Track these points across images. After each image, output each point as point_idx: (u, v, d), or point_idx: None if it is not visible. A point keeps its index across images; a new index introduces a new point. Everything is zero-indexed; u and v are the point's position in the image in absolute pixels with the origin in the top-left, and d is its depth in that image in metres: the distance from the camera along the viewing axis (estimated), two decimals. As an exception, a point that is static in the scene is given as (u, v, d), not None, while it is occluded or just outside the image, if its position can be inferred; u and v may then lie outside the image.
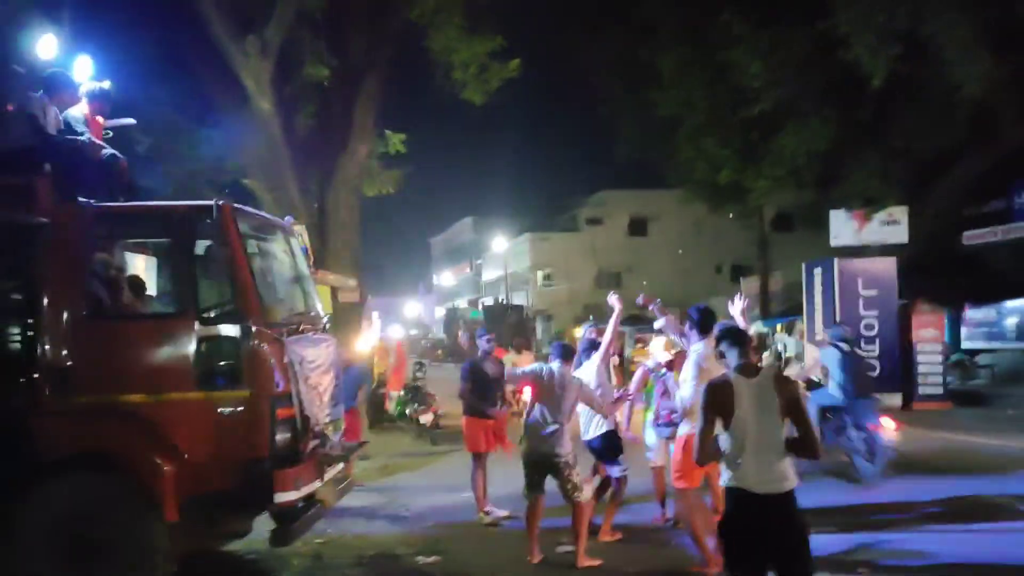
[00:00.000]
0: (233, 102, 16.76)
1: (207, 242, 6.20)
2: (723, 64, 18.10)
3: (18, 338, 6.33)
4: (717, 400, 4.28)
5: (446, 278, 72.47)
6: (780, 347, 28.49)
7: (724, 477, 4.35)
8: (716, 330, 4.93)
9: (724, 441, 4.28)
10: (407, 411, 15.17)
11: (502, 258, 58.07)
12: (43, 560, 5.84)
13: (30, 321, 6.26)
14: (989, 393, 20.80)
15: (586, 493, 7.28)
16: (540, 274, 57.42)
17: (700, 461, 4.33)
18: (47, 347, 6.06)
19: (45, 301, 6.13)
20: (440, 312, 65.54)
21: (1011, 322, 24.05)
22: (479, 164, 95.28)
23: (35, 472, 5.97)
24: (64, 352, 6.05)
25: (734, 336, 4.48)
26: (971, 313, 24.88)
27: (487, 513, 9.00)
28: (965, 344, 24.71)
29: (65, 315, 6.09)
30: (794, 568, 4.22)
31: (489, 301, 61.14)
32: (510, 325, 51.40)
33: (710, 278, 53.56)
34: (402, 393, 15.33)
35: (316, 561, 7.48)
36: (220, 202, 6.15)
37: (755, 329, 27.51)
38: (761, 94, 17.51)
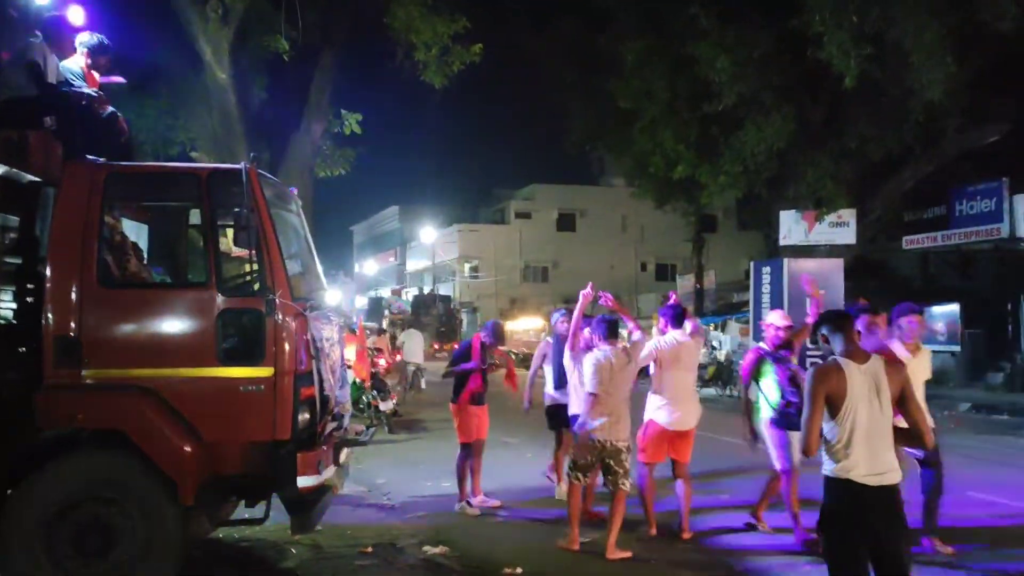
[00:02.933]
0: (185, 71, 16.08)
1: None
2: (686, 57, 18.10)
3: (17, 305, 5.80)
4: (828, 385, 4.10)
5: (369, 267, 71.35)
6: (715, 344, 28.93)
7: (828, 467, 4.18)
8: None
9: (828, 429, 4.13)
10: (365, 398, 14.74)
11: (428, 248, 57.56)
12: (46, 546, 5.36)
13: (31, 287, 5.77)
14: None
15: (629, 482, 7.09)
16: (467, 266, 57.09)
17: (808, 451, 4.14)
18: (51, 316, 5.56)
19: (50, 266, 5.63)
20: (361, 302, 64.53)
21: (939, 326, 24.86)
22: (406, 152, 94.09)
23: (37, 450, 5.50)
24: (71, 322, 5.56)
25: (836, 321, 4.31)
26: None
27: (468, 504, 8.73)
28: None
29: (72, 282, 5.60)
30: (893, 563, 4.09)
31: (414, 291, 60.57)
32: (437, 316, 51.19)
33: (635, 275, 54.16)
34: (368, 382, 14.87)
35: (316, 551, 7.09)
36: (247, 165, 5.73)
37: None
38: (724, 89, 17.58)
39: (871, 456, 4.08)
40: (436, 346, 46.32)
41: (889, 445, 4.13)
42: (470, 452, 8.89)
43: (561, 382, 8.60)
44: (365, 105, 18.12)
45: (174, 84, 16.40)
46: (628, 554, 6.92)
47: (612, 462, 6.99)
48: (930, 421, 6.06)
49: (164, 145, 17.38)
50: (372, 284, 69.55)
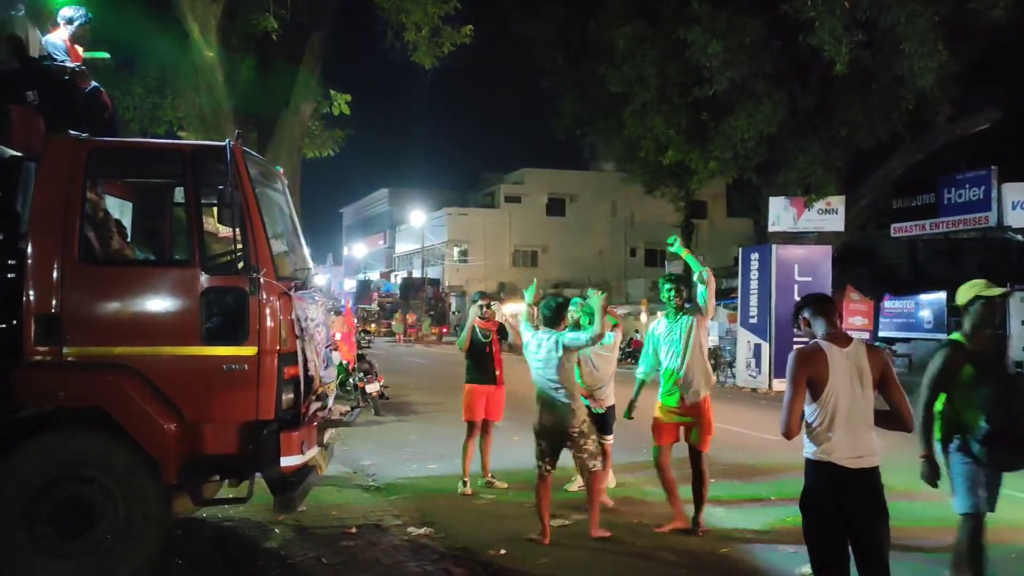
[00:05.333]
0: (172, 48, 15.92)
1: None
2: (677, 42, 18.05)
3: (-3, 281, 5.74)
4: (810, 369, 4.10)
5: (358, 249, 71.25)
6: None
7: (808, 449, 4.18)
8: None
9: (810, 412, 4.13)
10: (352, 380, 14.74)
11: (417, 231, 57.51)
12: (24, 525, 5.32)
13: (12, 263, 5.70)
14: (909, 382, 21.49)
15: (599, 462, 7.07)
16: (456, 250, 57.05)
17: (788, 434, 4.13)
18: (32, 292, 5.50)
19: (31, 242, 5.56)
20: (350, 284, 64.49)
21: (926, 314, 24.99)
22: (396, 134, 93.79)
23: (15, 428, 5.44)
24: (52, 299, 5.50)
25: (818, 304, 4.31)
26: (889, 303, 25.73)
27: (465, 483, 8.72)
28: (882, 333, 25.55)
29: (54, 259, 5.53)
30: (872, 545, 4.09)
31: (403, 274, 60.55)
32: (425, 299, 51.20)
33: (625, 260, 54.26)
34: (355, 364, 14.87)
35: (301, 532, 7.07)
36: (232, 142, 5.67)
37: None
38: (715, 75, 17.55)
39: (852, 439, 4.08)
40: (438, 329, 46.34)
41: (870, 428, 4.14)
42: (472, 432, 8.88)
43: None
44: (355, 86, 18.02)
45: (162, 62, 16.24)
46: (608, 533, 6.97)
47: (571, 447, 6.95)
48: None
49: (151, 124, 17.24)
50: (361, 267, 69.49)
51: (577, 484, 8.57)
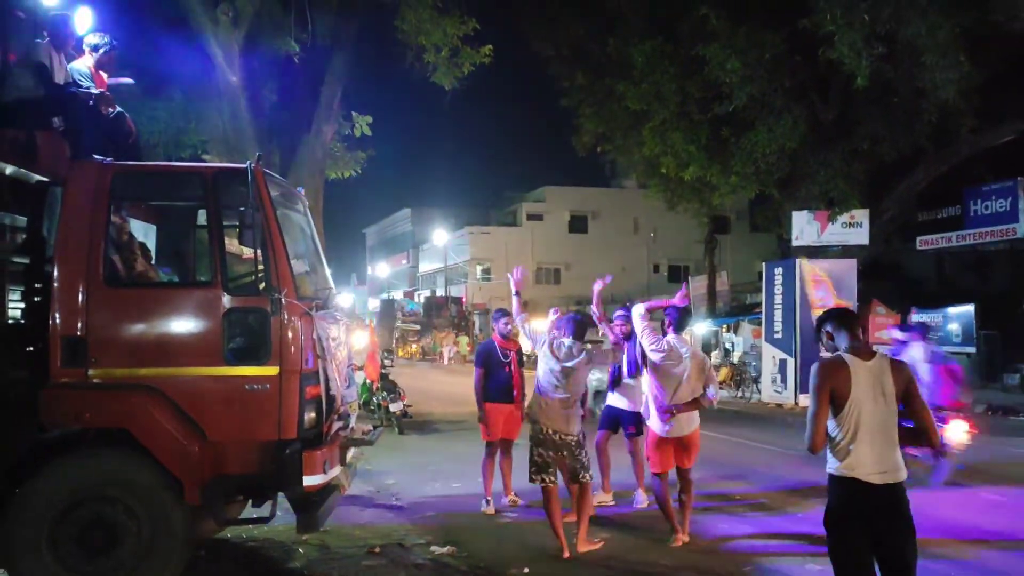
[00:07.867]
0: (196, 73, 16.13)
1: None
2: (695, 58, 18.04)
3: (25, 305, 5.83)
4: (833, 381, 4.06)
5: (381, 269, 71.48)
6: (728, 346, 28.86)
7: (832, 465, 4.13)
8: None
9: (832, 427, 4.09)
10: (376, 399, 14.78)
11: (439, 250, 57.61)
12: (50, 544, 5.38)
13: (38, 286, 5.79)
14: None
15: (590, 474, 7.14)
16: (479, 268, 57.10)
17: (813, 448, 4.09)
18: (58, 315, 5.58)
19: (57, 266, 5.65)
20: (374, 303, 64.70)
21: (953, 327, 24.69)
22: (417, 154, 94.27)
23: (42, 449, 5.52)
24: (78, 321, 5.57)
25: (840, 318, 4.27)
26: (916, 317, 25.44)
27: (487, 502, 8.69)
28: (907, 347, 25.26)
29: (79, 282, 5.61)
30: (898, 562, 4.03)
31: (426, 293, 60.70)
32: (448, 318, 51.30)
33: (648, 277, 54.05)
34: (378, 383, 14.91)
35: (324, 551, 7.09)
36: (253, 165, 5.75)
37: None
38: (735, 91, 17.52)
39: (876, 454, 4.03)
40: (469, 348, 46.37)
41: (894, 443, 4.08)
42: (491, 451, 8.85)
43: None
44: (376, 108, 18.12)
45: (186, 87, 16.46)
46: (598, 545, 7.05)
47: (567, 454, 6.98)
48: None
49: (176, 148, 17.46)
50: (384, 286, 69.71)
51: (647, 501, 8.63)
